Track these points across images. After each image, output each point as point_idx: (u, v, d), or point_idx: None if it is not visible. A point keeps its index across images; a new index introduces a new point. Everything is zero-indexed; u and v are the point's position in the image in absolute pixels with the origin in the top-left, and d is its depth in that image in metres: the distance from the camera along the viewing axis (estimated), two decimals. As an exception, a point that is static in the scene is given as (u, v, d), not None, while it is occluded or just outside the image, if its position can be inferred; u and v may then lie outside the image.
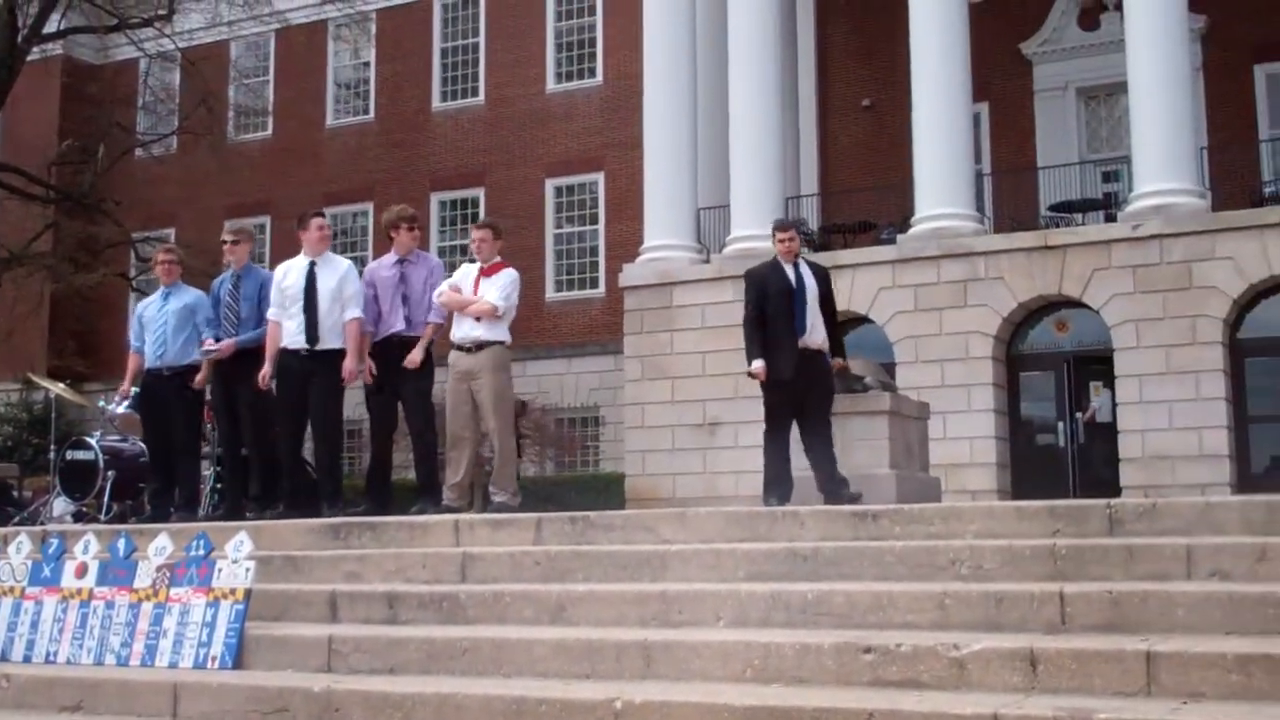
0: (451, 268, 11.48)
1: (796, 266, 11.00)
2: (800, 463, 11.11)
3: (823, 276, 11.16)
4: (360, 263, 28.03)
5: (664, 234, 23.40)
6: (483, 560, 8.41)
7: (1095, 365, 21.09)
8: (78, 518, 14.10)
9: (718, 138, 23.60)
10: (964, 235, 21.21)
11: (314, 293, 11.00)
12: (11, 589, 8.40)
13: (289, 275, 11.12)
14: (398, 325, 11.14)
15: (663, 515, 8.96)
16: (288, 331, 11.02)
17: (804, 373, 10.74)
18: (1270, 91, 24.64)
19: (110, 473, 13.94)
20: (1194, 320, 19.55)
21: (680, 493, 21.81)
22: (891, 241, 22.13)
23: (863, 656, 6.20)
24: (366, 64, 33.21)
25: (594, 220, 30.11)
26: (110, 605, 8.05)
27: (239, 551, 7.83)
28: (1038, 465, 21.27)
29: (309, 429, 11.34)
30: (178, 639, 7.73)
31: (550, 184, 30.62)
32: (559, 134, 30.63)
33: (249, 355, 11.19)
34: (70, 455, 14.32)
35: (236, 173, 31.25)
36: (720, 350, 22.13)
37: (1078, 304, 20.74)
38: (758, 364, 10.83)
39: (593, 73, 30.61)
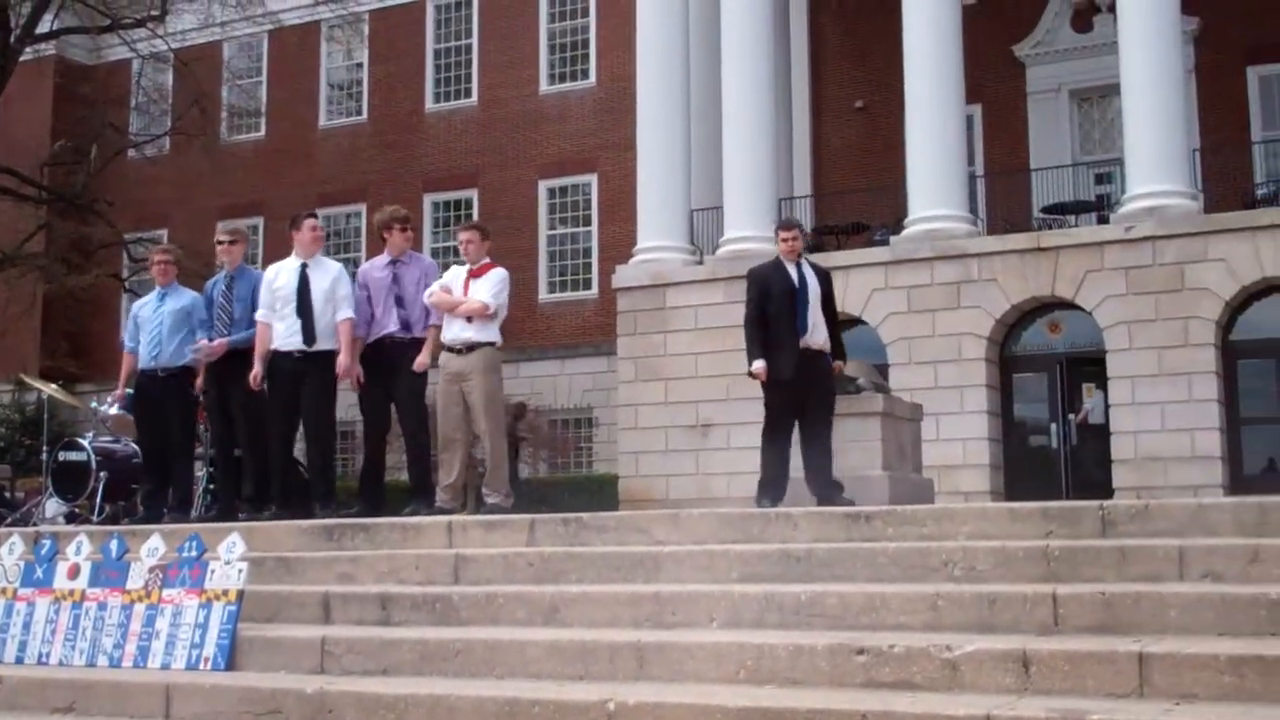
0: (444, 269, 11.46)
1: (799, 266, 10.97)
2: (794, 464, 11.13)
3: (825, 277, 11.14)
4: (353, 264, 28.19)
5: (657, 235, 23.39)
6: (476, 562, 8.41)
7: (1088, 367, 21.11)
8: (70, 519, 14.07)
9: (711, 139, 23.60)
10: (957, 237, 21.23)
11: (308, 294, 11.01)
12: (4, 590, 8.39)
13: (280, 276, 11.11)
14: (391, 327, 11.14)
15: (656, 516, 8.97)
16: (279, 333, 11.01)
17: (805, 373, 10.72)
18: (1263, 93, 24.68)
19: (102, 474, 13.91)
20: (1186, 322, 19.57)
21: (673, 494, 21.81)
22: (885, 243, 22.14)
23: (856, 658, 6.20)
24: (359, 65, 33.18)
25: (587, 221, 30.11)
26: (103, 606, 8.04)
27: (232, 553, 7.82)
28: (1030, 467, 21.28)
29: (301, 430, 11.35)
30: (170, 640, 7.73)
31: (543, 185, 30.61)
32: (552, 135, 30.63)
33: (242, 356, 11.18)
34: (62, 456, 14.30)
35: (229, 174, 31.21)
36: (713, 352, 22.15)
37: (1070, 305, 20.76)
38: (758, 364, 10.81)
39: (586, 74, 30.61)
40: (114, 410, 14.11)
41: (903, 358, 21.12)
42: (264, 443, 11.22)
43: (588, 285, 29.78)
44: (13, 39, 27.90)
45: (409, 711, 6.46)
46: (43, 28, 28.99)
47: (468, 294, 10.86)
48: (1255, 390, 20.21)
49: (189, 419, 11.96)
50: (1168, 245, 19.81)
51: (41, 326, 33.02)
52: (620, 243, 26.94)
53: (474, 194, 31.21)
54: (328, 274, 11.22)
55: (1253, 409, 20.14)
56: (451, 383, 10.85)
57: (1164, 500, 8.25)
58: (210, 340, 11.36)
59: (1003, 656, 5.96)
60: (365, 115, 33.03)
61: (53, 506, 14.59)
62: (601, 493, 24.02)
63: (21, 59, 28.94)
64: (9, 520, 15.16)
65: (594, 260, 29.66)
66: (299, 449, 11.67)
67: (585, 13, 30.73)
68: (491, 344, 10.94)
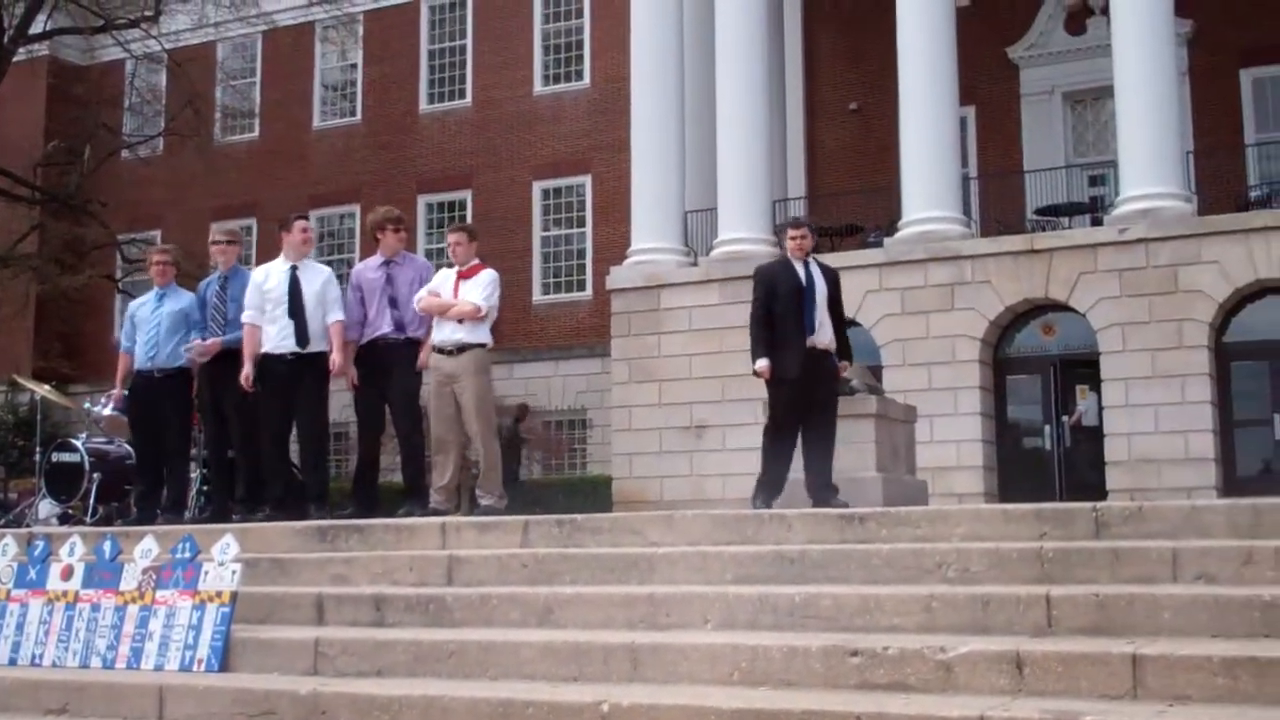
0: (439, 269, 11.44)
1: (807, 265, 10.93)
2: (794, 465, 11.12)
3: (833, 278, 11.05)
4: (346, 265, 28.19)
5: (651, 237, 23.39)
6: (470, 563, 8.41)
7: (1081, 369, 21.13)
8: (63, 520, 14.06)
9: (705, 141, 23.61)
10: (951, 239, 21.24)
11: (299, 296, 11.01)
12: (-3, 591, 8.39)
13: (271, 279, 11.10)
14: (385, 328, 11.14)
15: (650, 518, 8.96)
16: (271, 336, 11.00)
17: (810, 373, 10.68)
18: (1256, 96, 24.72)
19: (96, 475, 13.90)
20: (1180, 324, 19.60)
21: (668, 495, 21.82)
22: (878, 245, 22.16)
23: (850, 659, 6.21)
24: (354, 66, 33.16)
25: (581, 223, 30.11)
26: (96, 608, 8.03)
27: (225, 554, 7.81)
28: (1024, 468, 21.30)
29: (294, 431, 11.35)
30: (164, 641, 7.72)
31: (538, 186, 30.61)
32: (546, 136, 30.63)
33: (236, 357, 11.16)
34: (56, 457, 14.28)
35: (223, 174, 31.18)
36: (708, 353, 22.17)
37: (1064, 307, 20.77)
38: (762, 362, 10.76)
39: (580, 75, 30.62)
40: (107, 411, 14.10)
41: (896, 359, 21.13)
42: (258, 444, 11.21)
43: (582, 287, 29.79)
44: (6, 39, 27.87)
45: (403, 712, 6.46)
46: (36, 28, 28.95)
47: (458, 296, 10.84)
48: (1248, 392, 20.23)
49: (184, 421, 11.95)
50: (1161, 247, 19.83)
51: (34, 327, 32.97)
52: (614, 244, 26.94)
53: (468, 195, 31.22)
54: (318, 276, 11.25)
55: (1246, 411, 20.17)
56: (443, 384, 10.85)
57: (1157, 502, 8.26)
58: (204, 340, 11.35)
59: (996, 658, 5.96)
60: (359, 116, 33.02)
61: (46, 508, 14.57)
62: (595, 494, 24.02)
63: (15, 59, 28.90)
64: (2, 521, 15.15)
65: (588, 262, 29.66)
66: (293, 451, 11.67)
67: (580, 14, 30.74)
68: (482, 345, 10.93)
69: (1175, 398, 19.42)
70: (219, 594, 7.70)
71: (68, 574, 8.25)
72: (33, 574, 8.37)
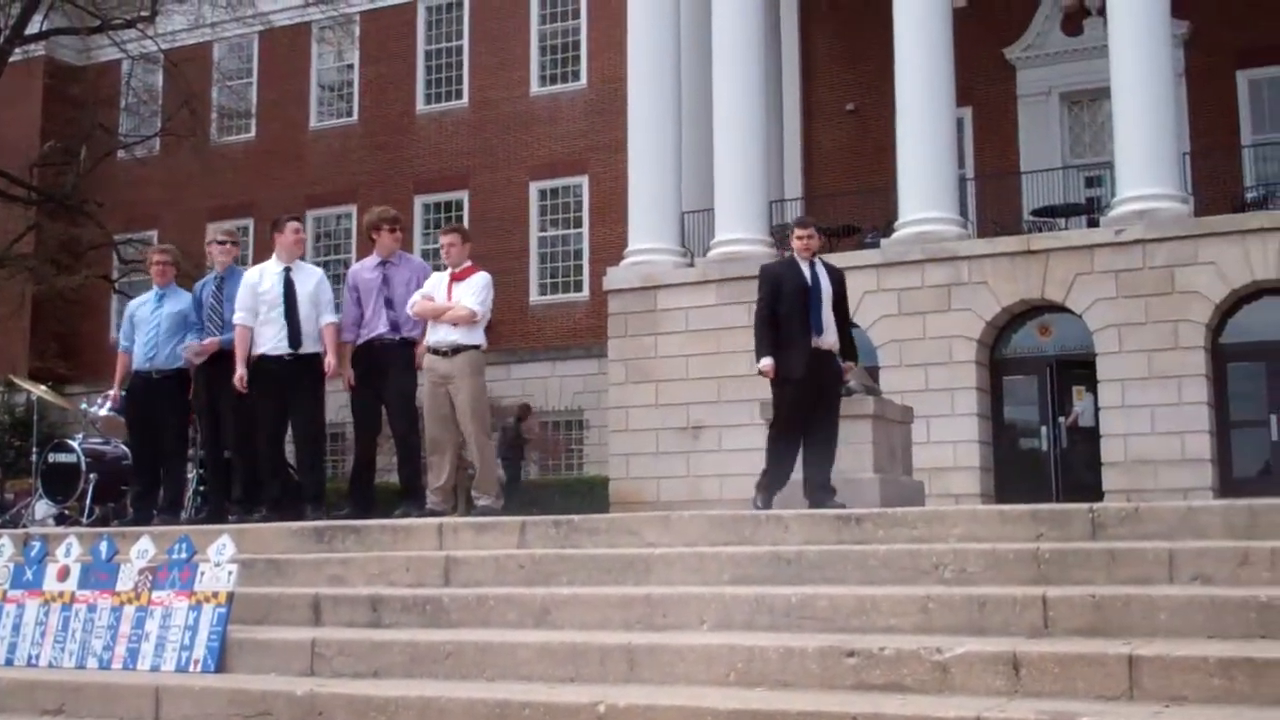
0: (435, 270, 11.43)
1: (813, 265, 10.92)
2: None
3: (838, 278, 11.05)
4: (343, 265, 28.17)
5: (648, 237, 23.39)
6: (466, 563, 8.41)
7: (1078, 369, 21.15)
8: (60, 520, 14.05)
9: (702, 141, 23.61)
10: (947, 240, 21.25)
11: (294, 298, 11.01)
12: (-7, 592, 8.38)
13: (265, 280, 11.09)
14: (381, 328, 11.13)
15: (647, 519, 8.96)
16: (265, 337, 11.00)
17: (815, 373, 10.67)
18: (1252, 97, 24.75)
19: (92, 475, 13.90)
20: (1176, 325, 19.61)
21: (664, 496, 21.82)
22: (875, 245, 22.17)
23: (846, 660, 6.20)
24: (350, 66, 33.16)
25: (578, 223, 30.11)
26: (92, 608, 8.02)
27: (221, 555, 7.81)
28: (1021, 469, 21.32)
29: (288, 432, 11.34)
30: (160, 642, 7.71)
31: (534, 187, 30.61)
32: (543, 137, 30.64)
33: (232, 358, 11.15)
34: (52, 458, 14.28)
35: (219, 175, 31.15)
36: (704, 354, 22.19)
37: (1060, 308, 20.79)
38: (766, 361, 10.74)
39: (577, 76, 30.62)
40: (104, 412, 14.08)
41: (893, 360, 21.14)
42: (254, 445, 11.21)
43: (579, 287, 29.79)
44: (2, 40, 27.86)
45: (399, 713, 6.45)
46: (32, 28, 28.94)
47: (451, 298, 10.83)
48: (1245, 393, 20.25)
49: (182, 421, 11.93)
50: (1158, 248, 19.85)
51: (31, 327, 32.97)
52: (611, 245, 26.94)
53: (464, 195, 31.22)
54: (311, 278, 11.30)
55: (1242, 412, 20.19)
56: (438, 385, 10.84)
57: (1154, 503, 8.27)
58: (201, 341, 11.34)
59: (993, 659, 5.96)
60: (356, 116, 33.03)
61: (42, 508, 14.57)
62: (592, 495, 24.02)
63: (11, 60, 28.88)
64: None
65: (585, 262, 29.67)
66: (289, 451, 11.66)
67: (576, 14, 30.74)
68: (477, 347, 10.93)
69: (1172, 399, 19.44)
70: (215, 595, 7.70)
71: (64, 574, 8.24)
72: (29, 574, 8.36)
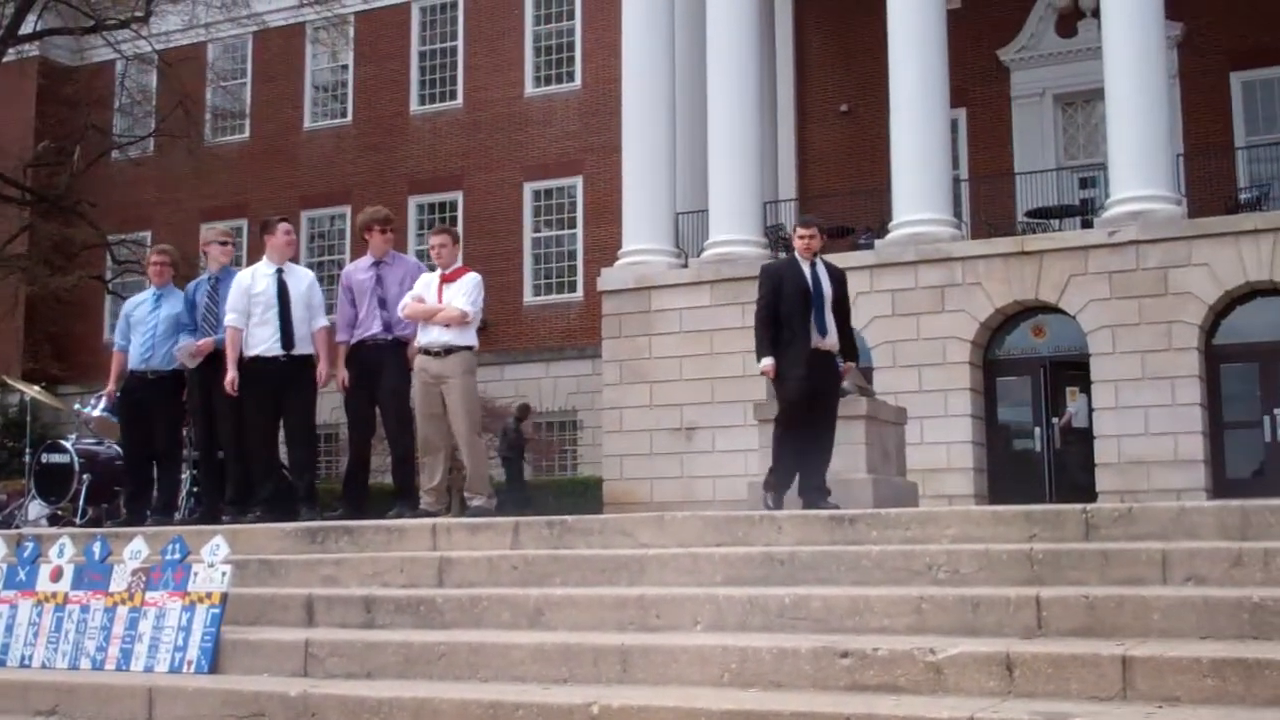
0: (430, 269, 11.42)
1: (814, 265, 10.90)
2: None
3: (839, 278, 11.03)
4: (337, 266, 28.14)
5: (642, 238, 23.40)
6: (460, 564, 8.40)
7: (1072, 370, 21.17)
8: (53, 521, 14.03)
9: (696, 142, 23.63)
10: (941, 241, 21.27)
11: (287, 299, 11.01)
12: (-14, 593, 8.37)
13: (258, 282, 11.08)
14: (375, 328, 11.13)
15: (640, 519, 8.96)
16: (259, 338, 10.99)
17: (814, 373, 10.66)
18: (1246, 99, 24.79)
19: (85, 476, 13.86)
20: (1170, 326, 19.64)
21: (658, 497, 21.82)
22: (869, 246, 22.18)
23: (840, 661, 6.21)
24: (344, 67, 33.14)
25: (572, 224, 30.11)
26: (85, 609, 8.01)
27: (215, 555, 7.80)
28: (1014, 470, 21.33)
29: (282, 433, 11.34)
30: (153, 643, 7.70)
31: (529, 188, 30.61)
32: (537, 138, 30.64)
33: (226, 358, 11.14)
34: (45, 458, 14.24)
35: (213, 175, 31.12)
36: (698, 355, 22.20)
37: (1054, 309, 20.81)
38: (767, 361, 10.72)
39: (571, 77, 30.62)
40: (97, 412, 14.07)
41: (887, 361, 21.15)
42: (248, 445, 11.20)
43: (573, 288, 29.79)
44: (-4, 40, 27.84)
45: (393, 714, 6.45)
46: (26, 28, 28.92)
47: (442, 299, 10.82)
48: (1238, 394, 20.29)
49: (176, 422, 11.93)
50: (1151, 250, 19.88)
51: (24, 328, 32.92)
52: (605, 245, 26.95)
53: (459, 196, 31.21)
54: (303, 280, 11.33)
55: (1235, 413, 20.23)
56: (430, 386, 10.83)
57: (1147, 504, 8.27)
58: (196, 341, 11.33)
59: (986, 659, 5.97)
60: (350, 117, 33.01)
61: (35, 509, 14.54)
62: (586, 495, 24.03)
63: (4, 60, 28.87)
64: (-9, 522, 15.10)
65: (579, 263, 29.66)
66: (281, 452, 11.66)
67: (571, 15, 30.74)
68: (469, 347, 10.92)
69: (1165, 400, 19.46)
70: (209, 595, 7.69)
71: (57, 575, 8.23)
72: (22, 575, 8.35)
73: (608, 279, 23.63)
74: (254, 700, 6.82)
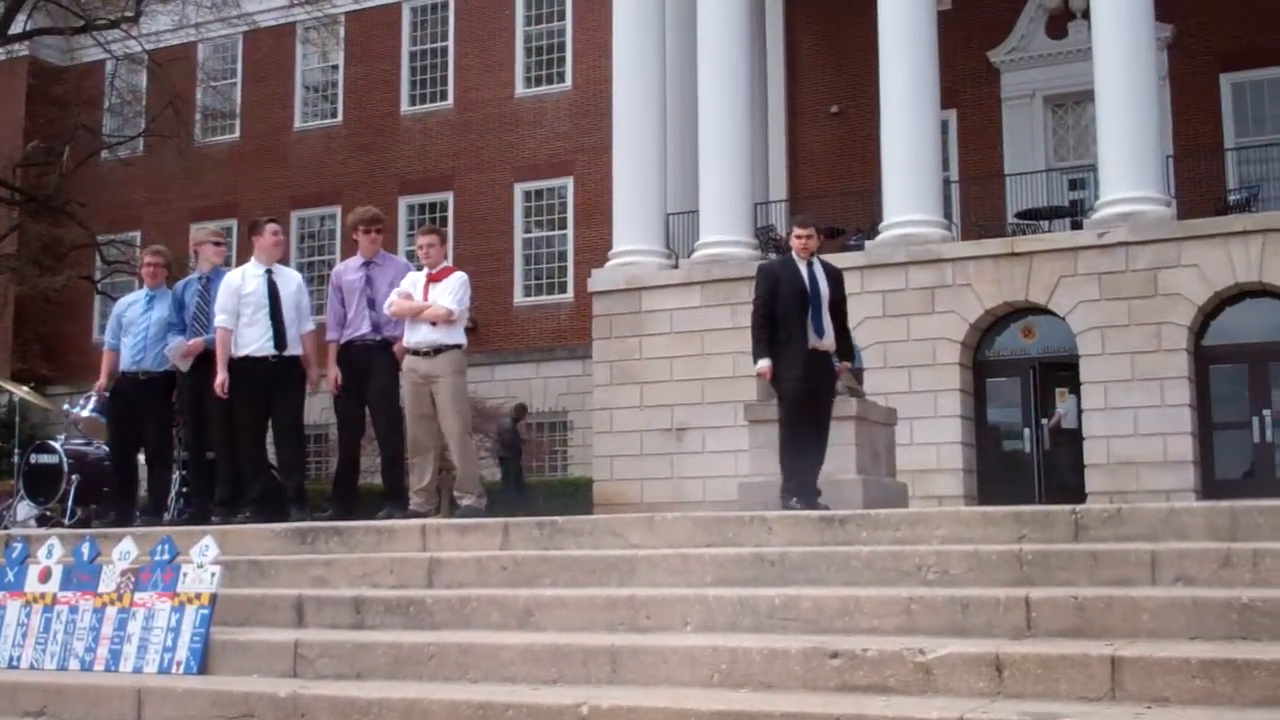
0: (420, 270, 11.42)
1: (811, 265, 10.87)
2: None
3: (836, 277, 11.02)
4: (327, 266, 28.10)
5: (633, 239, 23.39)
6: (450, 565, 8.40)
7: (1061, 371, 21.20)
8: (41, 522, 13.99)
9: (687, 143, 23.63)
10: (932, 242, 21.29)
11: (278, 299, 11.01)
12: (-26, 593, 8.35)
13: (248, 282, 11.08)
14: (364, 329, 11.13)
15: (630, 520, 8.96)
16: (249, 339, 10.98)
17: (811, 374, 10.66)
18: (1236, 100, 24.82)
19: (74, 477, 13.84)
20: (1159, 327, 19.67)
21: (648, 497, 21.82)
22: (860, 247, 22.18)
23: (829, 661, 6.21)
24: (335, 67, 33.09)
25: (563, 225, 30.09)
26: (74, 610, 8.00)
27: (204, 556, 7.79)
28: (1004, 471, 21.35)
29: (271, 434, 11.34)
30: (142, 644, 7.69)
31: (519, 188, 30.59)
32: (528, 138, 30.62)
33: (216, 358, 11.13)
34: (34, 459, 14.22)
35: (203, 175, 31.07)
36: (688, 355, 22.20)
37: (1044, 310, 20.83)
38: (763, 363, 10.70)
39: (562, 77, 30.60)
40: (86, 413, 14.03)
41: (877, 362, 21.14)
42: (238, 446, 11.19)
43: (563, 289, 29.77)
44: (-14, 39, 27.80)
45: (382, 715, 6.44)
46: (16, 28, 28.86)
47: (428, 299, 10.82)
48: (1227, 395, 20.32)
49: (166, 424, 11.91)
50: (1141, 251, 19.90)
51: (13, 328, 32.82)
52: (596, 246, 26.93)
53: (449, 197, 31.18)
54: (291, 281, 11.37)
55: (1224, 414, 20.26)
56: (419, 386, 10.83)
57: (1136, 505, 8.29)
58: (186, 341, 11.32)
59: (976, 660, 5.97)
60: (340, 117, 32.96)
61: (24, 509, 14.50)
62: (576, 496, 24.01)
63: (-6, 59, 28.84)
64: (-20, 523, 15.06)
65: (569, 264, 29.65)
66: (270, 453, 11.64)
67: (562, 16, 30.73)
68: (458, 346, 10.93)
69: (1154, 400, 19.49)
70: (198, 596, 7.68)
71: (46, 576, 8.22)
72: (10, 576, 8.33)
73: (598, 279, 23.63)
74: (243, 701, 6.81)
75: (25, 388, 17.57)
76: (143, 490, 12.27)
